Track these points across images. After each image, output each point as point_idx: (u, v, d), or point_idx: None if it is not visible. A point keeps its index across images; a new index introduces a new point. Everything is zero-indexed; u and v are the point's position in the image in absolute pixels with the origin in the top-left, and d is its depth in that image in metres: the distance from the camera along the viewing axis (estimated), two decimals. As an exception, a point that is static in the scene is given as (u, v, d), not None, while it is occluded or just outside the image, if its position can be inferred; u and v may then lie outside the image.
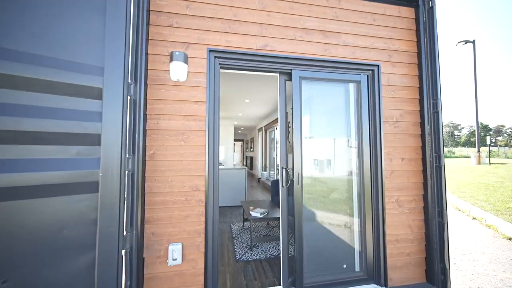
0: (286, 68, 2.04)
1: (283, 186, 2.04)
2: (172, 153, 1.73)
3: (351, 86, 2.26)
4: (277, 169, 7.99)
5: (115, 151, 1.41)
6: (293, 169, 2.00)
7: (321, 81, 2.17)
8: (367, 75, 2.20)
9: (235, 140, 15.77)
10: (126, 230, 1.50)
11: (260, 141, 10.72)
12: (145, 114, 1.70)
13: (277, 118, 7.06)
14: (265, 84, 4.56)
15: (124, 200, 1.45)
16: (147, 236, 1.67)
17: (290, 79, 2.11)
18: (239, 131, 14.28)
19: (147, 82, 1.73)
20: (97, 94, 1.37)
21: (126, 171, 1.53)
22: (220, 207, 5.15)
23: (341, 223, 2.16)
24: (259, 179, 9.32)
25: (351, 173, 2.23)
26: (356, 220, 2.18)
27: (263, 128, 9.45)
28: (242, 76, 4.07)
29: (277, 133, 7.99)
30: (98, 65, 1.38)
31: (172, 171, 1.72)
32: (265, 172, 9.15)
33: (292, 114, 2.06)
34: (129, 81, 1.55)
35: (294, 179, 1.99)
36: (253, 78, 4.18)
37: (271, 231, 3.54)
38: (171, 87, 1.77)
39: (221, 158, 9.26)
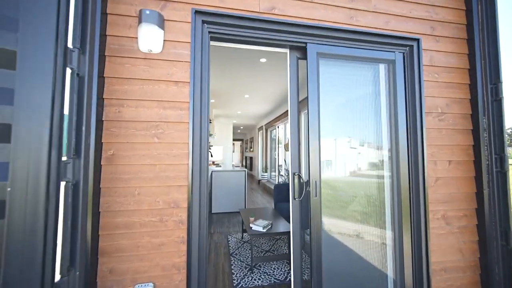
0: (299, 40, 1.53)
1: (295, 199, 1.53)
2: (140, 154, 1.22)
3: (382, 68, 1.75)
4: (279, 170, 7.48)
5: (40, 152, 0.89)
6: (309, 176, 1.49)
7: (344, 60, 1.67)
8: (403, 53, 1.69)
9: (234, 139, 15.27)
10: (61, 273, 0.99)
11: (260, 140, 10.22)
12: (100, 98, 1.19)
13: (279, 116, 6.56)
14: (267, 73, 4.05)
15: (56, 226, 0.94)
16: (102, 275, 1.15)
17: (304, 57, 1.60)
18: (238, 131, 13.78)
19: (105, 54, 1.22)
20: (6, 60, 0.86)
21: (64, 182, 1.02)
22: (216, 213, 4.64)
23: (368, 244, 1.66)
24: (259, 180, 8.82)
25: (381, 180, 1.72)
26: (389, 241, 1.67)
27: (264, 127, 8.94)
28: (241, 64, 3.56)
29: (278, 132, 7.49)
30: (7, 13, 0.87)
31: (141, 180, 1.21)
32: (266, 174, 8.64)
33: (307, 105, 1.55)
34: (71, 46, 1.05)
35: (311, 189, 1.48)
36: (254, 66, 3.67)
37: (275, 245, 3.03)
38: (140, 61, 1.26)
39: (219, 158, 8.75)
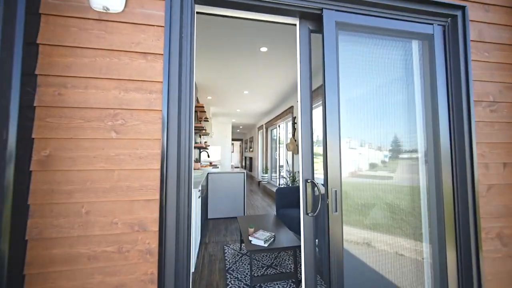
0: (313, 5, 1.16)
1: (307, 214, 1.16)
2: (90, 155, 0.85)
3: (415, 46, 1.39)
4: (279, 171, 7.12)
5: None
6: (326, 186, 1.13)
7: (368, 34, 1.31)
8: (444, 25, 1.33)
9: (233, 139, 14.91)
10: None
11: (260, 140, 9.86)
12: (30, 74, 0.82)
13: (281, 114, 6.19)
14: (268, 65, 3.69)
15: None
16: (28, 335, 0.78)
17: (319, 29, 1.25)
18: (238, 130, 13.43)
19: (40, 11, 0.85)
20: None
21: None
22: (212, 219, 4.28)
23: (404, 270, 1.29)
24: (259, 182, 8.45)
25: (416, 185, 1.35)
26: (427, 266, 1.31)
27: (264, 126, 8.58)
28: (239, 55, 3.19)
29: (279, 131, 7.13)
30: None
31: (91, 193, 0.84)
32: (266, 175, 8.28)
33: (323, 92, 1.18)
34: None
35: (329, 202, 1.11)
36: (254, 57, 3.31)
37: (278, 259, 2.66)
38: (93, 23, 0.89)
39: (217, 159, 8.39)
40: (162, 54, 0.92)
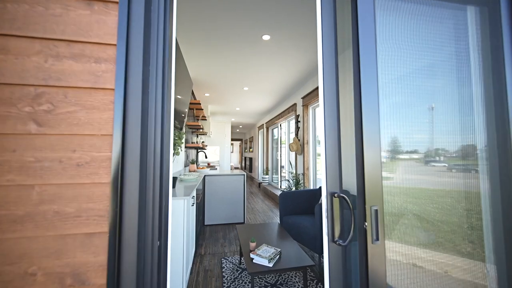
0: None
1: (335, 242, 0.82)
2: (-8, 161, 0.52)
3: (471, 15, 1.06)
4: (281, 172, 6.79)
5: None
6: (363, 202, 0.79)
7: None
8: (513, -14, 1.00)
9: (232, 139, 14.59)
10: None
11: (260, 140, 9.53)
12: None
13: (282, 113, 5.86)
14: (271, 57, 3.36)
15: None
16: None
17: (348, -14, 0.91)
18: (237, 130, 13.11)
19: None
20: None
21: None
22: (209, 225, 3.94)
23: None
24: (259, 183, 8.11)
25: (476, 193, 1.02)
26: (490, 309, 0.97)
27: (264, 126, 8.25)
28: (239, 46, 2.85)
29: (281, 131, 6.80)
30: None
31: (-10, 225, 0.51)
32: (267, 176, 7.94)
33: (358, 76, 0.85)
34: None
35: (368, 226, 0.78)
36: (254, 47, 2.98)
37: (283, 276, 2.33)
38: None
39: (216, 159, 8.06)
40: (116, 2, 0.59)
